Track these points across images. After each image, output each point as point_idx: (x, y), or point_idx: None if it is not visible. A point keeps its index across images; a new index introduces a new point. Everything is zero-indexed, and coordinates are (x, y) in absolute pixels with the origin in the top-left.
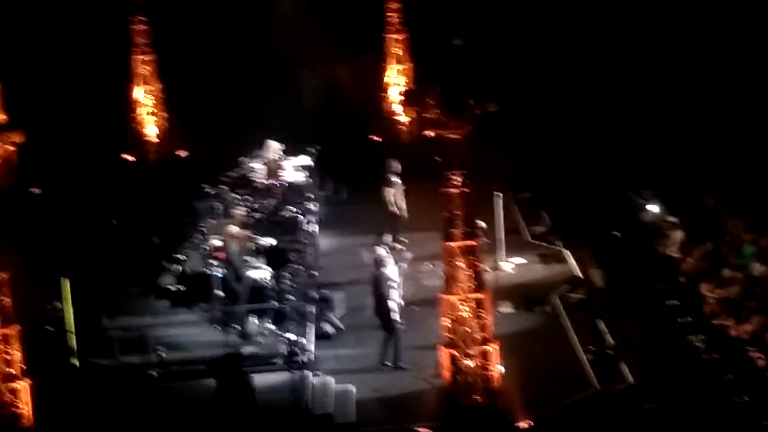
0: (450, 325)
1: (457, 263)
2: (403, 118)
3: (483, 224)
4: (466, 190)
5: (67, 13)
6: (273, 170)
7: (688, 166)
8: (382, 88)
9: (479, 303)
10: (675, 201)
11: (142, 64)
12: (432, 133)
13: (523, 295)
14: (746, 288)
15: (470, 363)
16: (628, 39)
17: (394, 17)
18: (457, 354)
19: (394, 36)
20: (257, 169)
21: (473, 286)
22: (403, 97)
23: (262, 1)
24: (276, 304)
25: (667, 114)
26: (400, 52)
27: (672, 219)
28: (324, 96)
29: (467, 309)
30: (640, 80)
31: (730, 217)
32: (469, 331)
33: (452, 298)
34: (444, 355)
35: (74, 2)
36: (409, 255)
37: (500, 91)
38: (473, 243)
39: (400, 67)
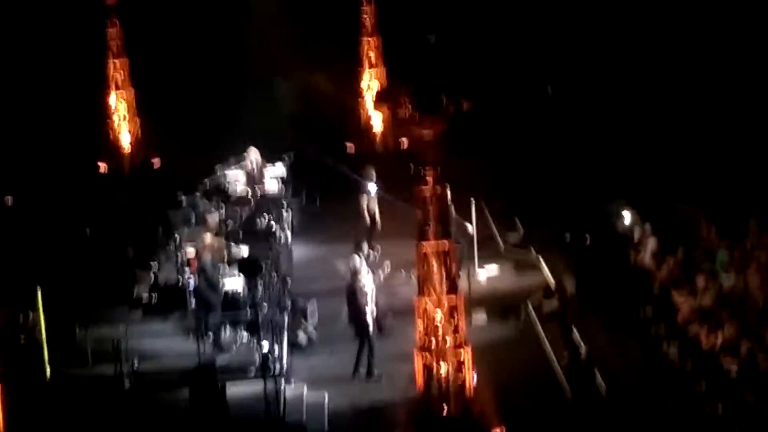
0: (423, 329)
1: (430, 264)
2: (377, 126)
3: (471, 227)
4: (439, 189)
5: (39, 16)
6: (252, 178)
7: (661, 174)
8: (357, 94)
9: (453, 306)
10: (648, 209)
11: (116, 69)
12: (405, 141)
13: (496, 303)
14: (719, 296)
15: (443, 367)
16: (599, 44)
17: (368, 21)
18: (430, 358)
19: (369, 39)
20: (234, 176)
21: (447, 289)
22: (375, 97)
23: (238, 8)
24: (249, 313)
25: (639, 120)
26: (374, 56)
27: (645, 227)
28: (299, 103)
29: (440, 312)
30: (611, 85)
31: (703, 225)
32: (443, 334)
33: (426, 301)
34: (417, 359)
35: (46, 5)
36: (387, 265)
37: (473, 96)
38: (447, 244)
39: (375, 71)
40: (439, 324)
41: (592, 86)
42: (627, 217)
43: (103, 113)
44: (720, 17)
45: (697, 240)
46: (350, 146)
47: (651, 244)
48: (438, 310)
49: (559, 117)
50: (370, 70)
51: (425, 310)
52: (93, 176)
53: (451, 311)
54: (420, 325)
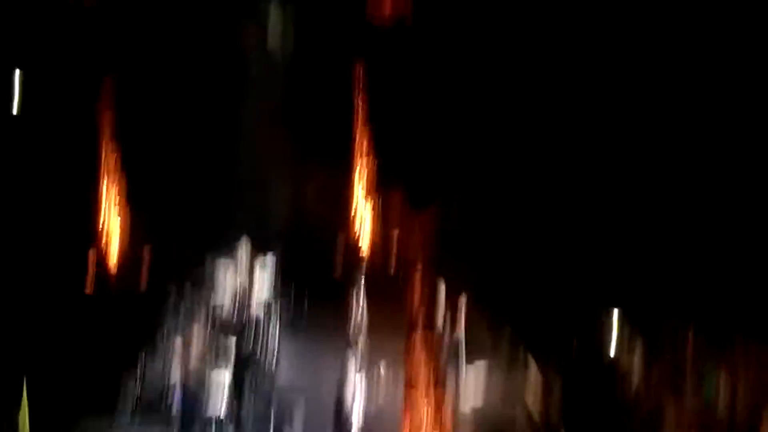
0: (409, 424)
1: (418, 359)
2: (367, 217)
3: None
4: (428, 282)
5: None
6: (242, 272)
7: (649, 280)
8: (348, 184)
9: (439, 399)
10: (635, 315)
11: (107, 155)
12: (395, 233)
13: (484, 402)
14: (706, 412)
15: None
16: (581, 144)
17: (361, 111)
18: None
19: (362, 129)
20: (224, 270)
21: (434, 382)
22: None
23: (231, 92)
24: (235, 410)
25: (629, 225)
26: (366, 147)
27: (631, 332)
28: (291, 200)
29: (427, 405)
30: (600, 187)
31: (691, 335)
32: (429, 429)
33: (413, 394)
34: None
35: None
36: (381, 366)
37: (466, 191)
38: (436, 337)
39: (365, 168)
40: (425, 418)
41: (580, 189)
42: (613, 321)
43: (92, 199)
44: (706, 103)
45: (684, 353)
46: (341, 239)
47: (637, 353)
48: (426, 402)
49: (548, 218)
50: (362, 160)
51: (412, 403)
52: (78, 266)
53: (438, 405)
54: (406, 419)
